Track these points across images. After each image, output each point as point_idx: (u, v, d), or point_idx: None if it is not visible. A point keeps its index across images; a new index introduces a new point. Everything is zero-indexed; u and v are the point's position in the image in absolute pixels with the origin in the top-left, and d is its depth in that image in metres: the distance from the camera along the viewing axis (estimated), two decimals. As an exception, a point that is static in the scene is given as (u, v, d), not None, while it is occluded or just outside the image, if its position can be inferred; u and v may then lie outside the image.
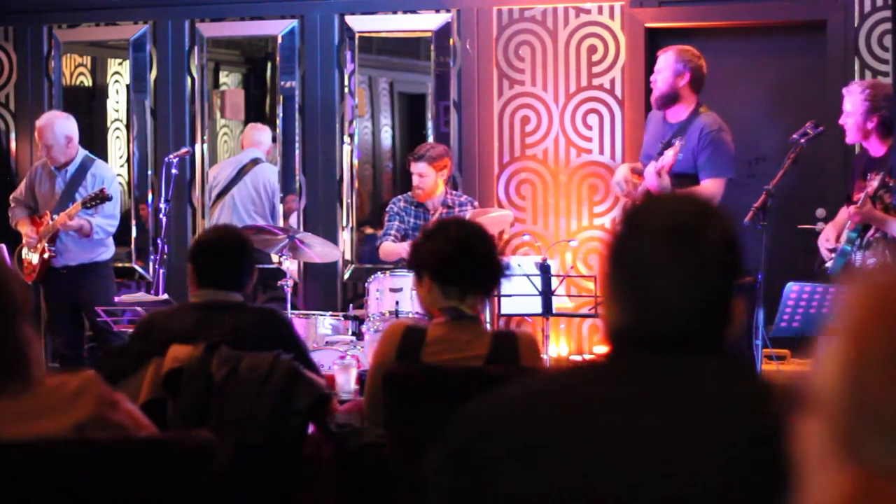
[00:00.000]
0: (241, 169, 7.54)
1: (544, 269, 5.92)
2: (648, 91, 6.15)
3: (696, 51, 5.99)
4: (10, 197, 7.03)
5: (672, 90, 5.87)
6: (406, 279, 5.92)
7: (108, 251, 6.88)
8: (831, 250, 5.53)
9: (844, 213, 5.63)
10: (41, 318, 7.01)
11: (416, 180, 6.43)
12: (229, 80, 8.45)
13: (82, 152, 6.85)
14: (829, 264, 5.52)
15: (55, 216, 6.69)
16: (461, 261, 3.37)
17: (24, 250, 6.86)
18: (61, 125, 6.78)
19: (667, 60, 5.92)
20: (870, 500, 0.96)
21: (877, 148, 5.56)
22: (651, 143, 5.98)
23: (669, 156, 5.61)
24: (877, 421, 0.96)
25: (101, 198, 6.59)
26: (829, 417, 0.99)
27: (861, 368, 0.99)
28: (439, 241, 3.40)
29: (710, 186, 5.70)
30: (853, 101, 5.57)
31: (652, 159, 5.82)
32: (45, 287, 6.88)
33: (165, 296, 6.04)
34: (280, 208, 7.47)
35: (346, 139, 7.39)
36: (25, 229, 6.84)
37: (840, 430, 0.98)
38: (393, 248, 6.40)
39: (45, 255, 6.74)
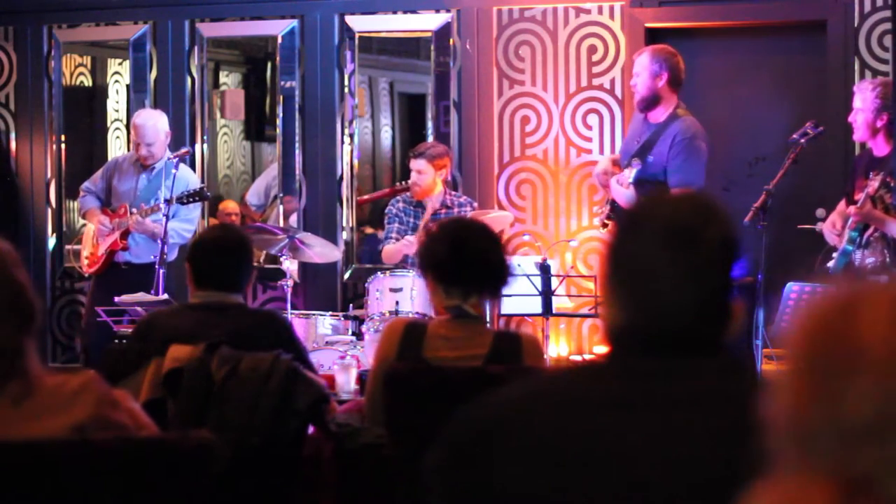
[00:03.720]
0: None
1: (544, 269, 5.92)
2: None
3: (670, 48, 5.99)
4: (82, 186, 6.93)
5: (652, 93, 5.87)
6: (406, 279, 5.92)
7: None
8: (839, 235, 5.52)
9: (844, 204, 5.63)
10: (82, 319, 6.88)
11: (413, 177, 6.43)
12: (229, 80, 8.45)
13: (168, 152, 6.75)
14: (830, 264, 5.52)
15: (133, 210, 6.60)
16: (455, 260, 3.37)
17: (91, 240, 6.73)
18: (163, 122, 6.74)
19: (642, 63, 5.91)
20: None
21: (881, 147, 5.54)
22: (629, 141, 6.01)
23: (627, 175, 5.65)
24: (809, 427, 0.97)
25: (199, 195, 6.47)
26: (779, 440, 1.01)
27: (795, 383, 0.99)
28: (436, 241, 3.41)
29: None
30: (864, 97, 5.55)
31: (628, 156, 5.86)
32: (97, 282, 6.70)
33: (165, 296, 6.02)
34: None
35: (346, 139, 7.38)
36: (97, 219, 6.70)
37: (788, 449, 0.99)
38: (395, 248, 6.40)
39: (117, 247, 6.59)
